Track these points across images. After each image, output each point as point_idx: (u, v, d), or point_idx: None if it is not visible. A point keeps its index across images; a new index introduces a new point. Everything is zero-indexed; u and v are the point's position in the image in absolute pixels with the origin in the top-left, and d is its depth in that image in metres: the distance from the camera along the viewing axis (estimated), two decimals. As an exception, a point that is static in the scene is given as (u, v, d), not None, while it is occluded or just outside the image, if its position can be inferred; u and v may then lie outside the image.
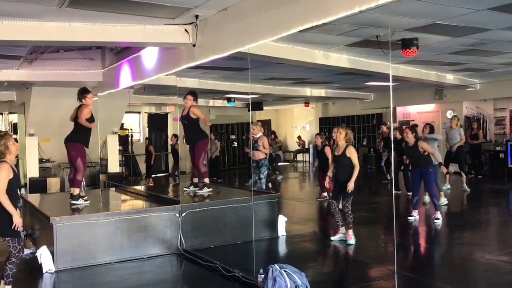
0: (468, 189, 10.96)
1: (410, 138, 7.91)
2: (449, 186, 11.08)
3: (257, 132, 9.03)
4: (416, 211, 7.96)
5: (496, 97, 14.60)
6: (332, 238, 6.80)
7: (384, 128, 11.89)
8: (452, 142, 11.08)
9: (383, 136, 12.07)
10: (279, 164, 16.73)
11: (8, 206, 4.25)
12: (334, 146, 6.76)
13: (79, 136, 6.80)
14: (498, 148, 14.07)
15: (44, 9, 6.01)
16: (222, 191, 9.05)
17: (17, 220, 4.28)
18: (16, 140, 5.61)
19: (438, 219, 7.70)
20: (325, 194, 10.29)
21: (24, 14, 6.23)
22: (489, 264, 5.65)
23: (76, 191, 6.89)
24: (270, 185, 10.76)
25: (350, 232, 6.55)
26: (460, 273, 5.34)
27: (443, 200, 9.12)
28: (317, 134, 10.31)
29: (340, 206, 6.57)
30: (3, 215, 4.27)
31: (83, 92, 6.83)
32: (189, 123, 7.38)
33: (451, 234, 7.43)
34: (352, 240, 6.52)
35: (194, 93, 7.49)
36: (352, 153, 6.49)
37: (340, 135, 6.54)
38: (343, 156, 6.50)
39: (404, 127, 10.05)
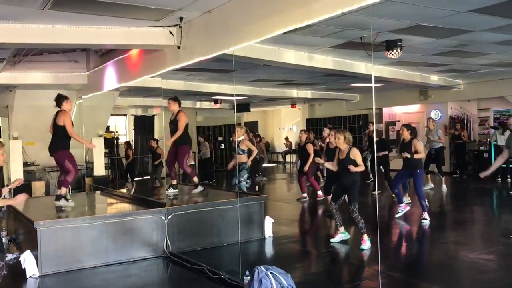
0: (445, 190, 11.13)
1: (405, 135, 7.97)
2: (432, 185, 11.27)
3: (239, 135, 8.84)
4: (402, 204, 8.06)
5: (480, 97, 14.79)
6: (332, 240, 6.65)
7: (371, 127, 11.92)
8: (433, 142, 11.16)
9: (369, 135, 12.15)
10: (263, 165, 16.77)
11: None
12: (337, 151, 6.61)
13: (63, 144, 6.81)
14: (482, 148, 14.26)
15: (26, 11, 5.95)
16: (208, 193, 9.01)
17: None
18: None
19: (426, 219, 7.74)
20: (305, 195, 10.43)
21: (5, 16, 6.16)
22: (473, 262, 5.73)
23: (62, 190, 6.92)
24: (256, 187, 10.74)
25: (365, 236, 6.30)
26: (444, 272, 5.39)
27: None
28: (301, 131, 10.27)
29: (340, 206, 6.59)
30: None
31: (61, 98, 6.90)
32: (176, 127, 7.40)
33: (436, 234, 7.49)
34: (365, 245, 6.26)
35: (177, 98, 7.56)
36: (356, 155, 6.35)
37: (339, 140, 6.42)
38: (348, 159, 6.35)
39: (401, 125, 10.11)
